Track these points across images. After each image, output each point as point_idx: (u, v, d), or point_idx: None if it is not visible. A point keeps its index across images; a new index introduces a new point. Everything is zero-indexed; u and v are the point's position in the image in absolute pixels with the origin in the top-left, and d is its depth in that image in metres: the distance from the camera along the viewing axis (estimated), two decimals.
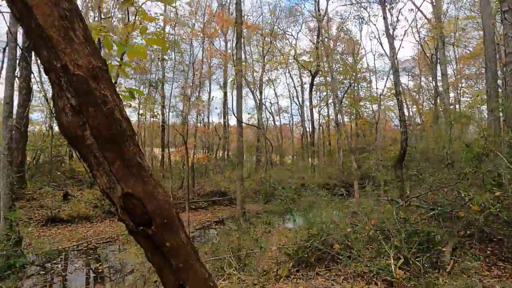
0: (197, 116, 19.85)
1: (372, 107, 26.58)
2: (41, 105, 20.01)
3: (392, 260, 3.52)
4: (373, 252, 3.93)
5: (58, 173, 13.52)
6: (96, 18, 17.41)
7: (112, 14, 18.05)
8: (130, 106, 15.67)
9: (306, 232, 4.43)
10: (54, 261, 7.30)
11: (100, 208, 11.43)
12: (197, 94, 19.46)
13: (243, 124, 10.96)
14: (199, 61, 17.69)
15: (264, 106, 28.56)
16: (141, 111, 17.40)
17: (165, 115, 19.58)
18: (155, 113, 16.29)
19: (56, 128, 18.48)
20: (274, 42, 25.78)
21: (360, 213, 5.26)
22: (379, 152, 16.23)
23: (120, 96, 3.63)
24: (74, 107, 1.23)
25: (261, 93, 23.77)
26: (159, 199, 1.58)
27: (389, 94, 28.20)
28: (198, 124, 24.05)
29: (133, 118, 21.07)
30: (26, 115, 12.82)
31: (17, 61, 8.13)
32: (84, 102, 1.23)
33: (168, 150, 15.95)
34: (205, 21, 18.10)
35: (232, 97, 20.40)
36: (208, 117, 27.80)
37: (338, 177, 19.93)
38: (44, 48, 1.15)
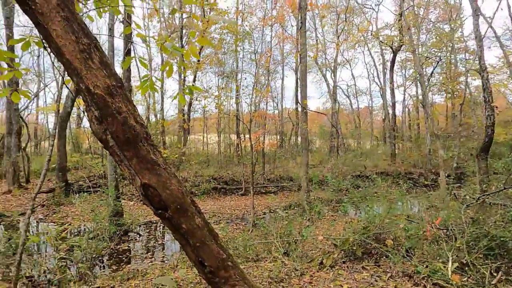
0: (266, 103, 20.30)
1: (477, 83, 22.13)
2: (141, 99, 23.76)
3: (450, 264, 3.14)
4: (431, 252, 3.53)
5: None
6: (179, 19, 19.34)
7: (192, 13, 19.74)
8: (196, 100, 17.28)
9: (357, 224, 4.26)
10: (148, 231, 8.95)
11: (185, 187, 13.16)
12: (267, 81, 19.89)
13: (311, 110, 10.74)
14: (267, 49, 17.94)
15: (340, 89, 27.10)
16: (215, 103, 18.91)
17: (239, 104, 20.76)
18: (219, 103, 17.48)
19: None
20: (351, 19, 23.85)
21: (432, 208, 4.72)
22: (473, 137, 13.61)
23: (182, 90, 4.07)
24: (98, 118, 1.60)
25: (334, 75, 22.57)
26: (172, 189, 1.89)
27: (500, 65, 22.93)
28: (270, 111, 24.64)
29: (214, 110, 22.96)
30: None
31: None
32: (104, 113, 1.58)
33: (239, 137, 16.98)
34: (274, 7, 18.07)
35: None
36: (281, 104, 28.15)
37: (424, 165, 17.66)
38: (74, 75, 1.53)
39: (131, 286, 3.41)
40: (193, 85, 20.24)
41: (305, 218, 7.27)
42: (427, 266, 3.23)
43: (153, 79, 3.50)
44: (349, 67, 27.52)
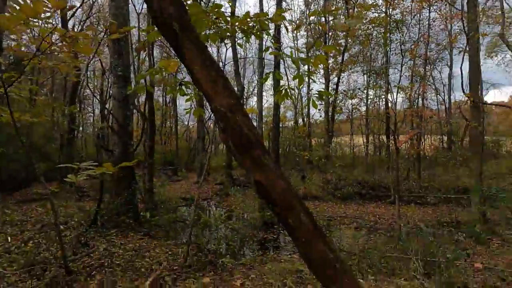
0: (422, 99, 17.08)
1: None
2: (291, 105, 25.95)
3: None
4: None
5: (297, 159, 17.23)
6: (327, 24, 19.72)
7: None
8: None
9: None
10: None
11: (326, 190, 13.35)
12: (427, 72, 16.81)
13: (486, 103, 8.21)
14: (425, 35, 15.13)
15: None
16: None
17: (392, 101, 18.73)
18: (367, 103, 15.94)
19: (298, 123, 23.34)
20: None
21: None
22: None
23: (313, 97, 4.59)
24: (223, 129, 2.12)
25: None
26: (279, 187, 2.18)
27: None
28: (434, 107, 20.67)
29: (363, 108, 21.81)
30: (278, 114, 17.47)
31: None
32: (226, 125, 2.09)
33: (388, 138, 15.19)
34: None
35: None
36: (448, 97, 23.07)
37: None
38: (208, 99, 2.11)
39: (266, 268, 3.99)
40: (336, 87, 20.05)
41: (470, 240, 5.77)
42: None
43: (288, 88, 3.98)
44: None
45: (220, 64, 20.67)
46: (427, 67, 16.54)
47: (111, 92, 6.84)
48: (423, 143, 19.15)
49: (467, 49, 8.37)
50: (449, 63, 21.79)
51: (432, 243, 4.17)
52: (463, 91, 9.33)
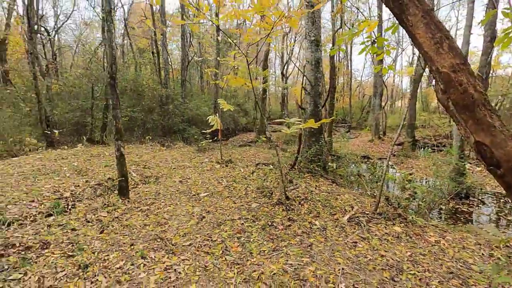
0: None
1: None
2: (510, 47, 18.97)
3: None
4: None
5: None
6: None
7: None
8: None
9: None
10: (497, 203, 8.01)
11: None
12: None
13: None
14: None
15: None
16: None
17: None
18: None
19: None
20: None
21: None
22: None
23: None
24: (443, 90, 2.20)
25: None
26: (507, 150, 2.06)
27: None
28: None
29: None
30: (488, 62, 13.33)
31: None
32: (447, 86, 2.15)
33: None
34: None
35: None
36: None
37: None
38: (427, 60, 2.21)
39: (464, 235, 3.78)
40: None
41: None
42: None
43: None
44: None
45: None
46: None
47: (300, 54, 7.75)
48: None
49: None
50: None
51: None
52: None
